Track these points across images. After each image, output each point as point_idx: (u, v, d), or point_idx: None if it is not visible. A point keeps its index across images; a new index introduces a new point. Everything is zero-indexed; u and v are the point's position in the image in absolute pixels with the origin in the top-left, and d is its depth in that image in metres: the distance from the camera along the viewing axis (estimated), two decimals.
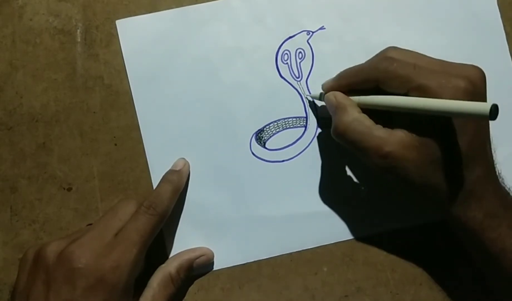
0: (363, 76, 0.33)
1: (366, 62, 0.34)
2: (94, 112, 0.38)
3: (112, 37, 0.38)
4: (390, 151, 0.30)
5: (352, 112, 0.32)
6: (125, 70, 0.38)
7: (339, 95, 0.34)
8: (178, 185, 0.36)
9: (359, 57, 0.35)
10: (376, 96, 0.32)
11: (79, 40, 0.38)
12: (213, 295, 0.37)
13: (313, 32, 0.38)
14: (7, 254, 0.37)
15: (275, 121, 0.38)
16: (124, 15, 0.38)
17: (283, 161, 0.38)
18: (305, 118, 0.38)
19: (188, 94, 0.38)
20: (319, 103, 0.38)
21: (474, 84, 0.29)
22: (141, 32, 0.38)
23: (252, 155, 0.38)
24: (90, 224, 0.36)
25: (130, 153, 0.38)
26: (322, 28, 0.38)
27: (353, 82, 0.34)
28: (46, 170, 0.38)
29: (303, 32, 0.38)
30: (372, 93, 0.32)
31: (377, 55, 0.33)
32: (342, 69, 0.35)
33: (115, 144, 0.38)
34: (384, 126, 0.31)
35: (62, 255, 0.31)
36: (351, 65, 0.34)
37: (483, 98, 0.31)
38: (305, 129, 0.38)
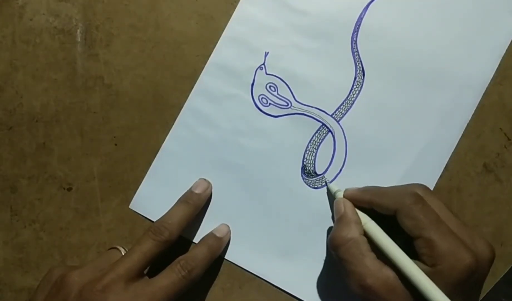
0: (386, 203, 0.32)
1: (393, 188, 0.33)
2: (94, 112, 0.38)
3: (112, 37, 0.38)
4: (372, 285, 0.29)
5: (353, 231, 0.31)
6: (126, 70, 0.38)
7: (349, 207, 0.33)
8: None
9: None
10: (383, 238, 0.31)
11: (79, 40, 0.38)
12: (213, 295, 0.37)
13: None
14: (7, 254, 0.37)
15: (306, 149, 0.38)
16: (124, 15, 0.38)
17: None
18: (323, 125, 0.38)
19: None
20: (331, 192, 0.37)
21: (479, 264, 0.29)
22: None
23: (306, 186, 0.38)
24: (114, 248, 0.35)
25: (130, 152, 0.38)
26: None
27: (374, 202, 0.33)
28: (46, 170, 0.38)
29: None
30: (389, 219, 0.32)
31: (405, 187, 0.32)
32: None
33: (115, 145, 0.38)
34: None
35: (85, 291, 0.30)
36: None
37: (481, 280, 0.30)
38: (332, 135, 0.38)
